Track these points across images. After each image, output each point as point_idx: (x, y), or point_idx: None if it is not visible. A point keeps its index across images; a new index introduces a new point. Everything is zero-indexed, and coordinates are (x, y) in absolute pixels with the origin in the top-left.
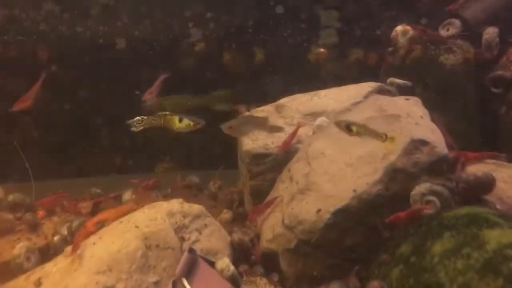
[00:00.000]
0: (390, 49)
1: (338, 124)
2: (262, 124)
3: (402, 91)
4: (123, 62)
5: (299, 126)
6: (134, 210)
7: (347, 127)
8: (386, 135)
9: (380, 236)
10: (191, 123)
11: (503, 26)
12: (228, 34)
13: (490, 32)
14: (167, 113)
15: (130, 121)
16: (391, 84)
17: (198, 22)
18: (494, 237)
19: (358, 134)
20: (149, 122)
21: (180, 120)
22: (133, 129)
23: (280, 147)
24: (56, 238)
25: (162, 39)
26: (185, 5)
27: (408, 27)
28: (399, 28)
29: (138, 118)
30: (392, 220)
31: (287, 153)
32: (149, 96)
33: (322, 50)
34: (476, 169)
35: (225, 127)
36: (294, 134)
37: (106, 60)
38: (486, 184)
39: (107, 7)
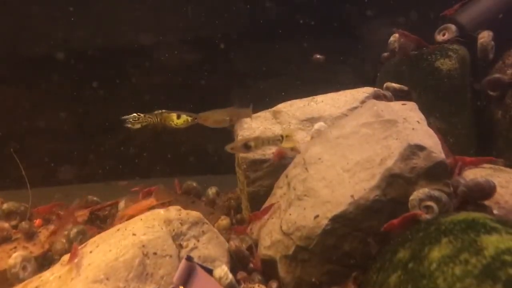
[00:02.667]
0: (385, 54)
1: (234, 148)
2: (247, 115)
3: (398, 95)
4: (121, 68)
5: None
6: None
7: (245, 147)
8: (282, 136)
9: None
10: (189, 118)
11: (499, 30)
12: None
13: (485, 36)
14: (164, 110)
15: (126, 117)
16: (387, 88)
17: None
18: (492, 243)
19: (256, 147)
20: (146, 120)
21: (178, 117)
22: (129, 125)
23: (275, 156)
24: (55, 245)
25: (159, 45)
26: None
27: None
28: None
29: (134, 114)
30: (386, 228)
31: (282, 160)
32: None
33: (318, 56)
34: (473, 173)
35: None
36: None
37: (104, 66)
38: (487, 190)
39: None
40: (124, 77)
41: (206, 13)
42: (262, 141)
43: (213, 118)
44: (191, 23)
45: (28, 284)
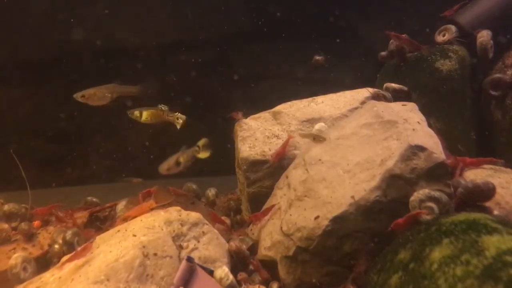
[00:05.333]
0: (383, 53)
1: (170, 169)
2: (132, 92)
3: (398, 96)
4: (118, 69)
5: (289, 137)
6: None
7: (176, 163)
8: (198, 146)
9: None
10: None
11: (499, 30)
12: (224, 40)
13: (485, 35)
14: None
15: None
16: (387, 89)
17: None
18: (493, 243)
19: (185, 161)
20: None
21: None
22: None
23: (273, 158)
24: (52, 248)
25: (155, 47)
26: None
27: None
28: None
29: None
30: (392, 227)
31: (280, 162)
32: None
33: (318, 57)
34: (473, 174)
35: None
36: (285, 145)
37: (102, 67)
38: (485, 193)
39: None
40: (121, 78)
41: (205, 13)
42: (187, 155)
43: (94, 94)
44: (190, 24)
45: (29, 285)
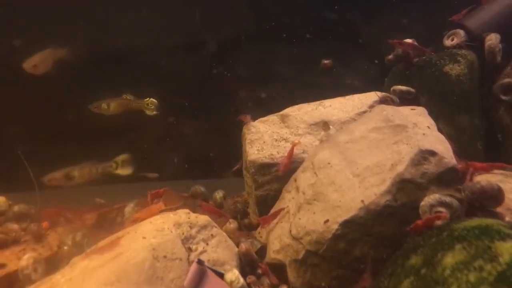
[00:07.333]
0: (389, 56)
1: (52, 180)
2: (61, 54)
3: (405, 98)
4: (120, 71)
5: (294, 145)
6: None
7: (66, 177)
8: (115, 162)
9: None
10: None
11: (507, 34)
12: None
13: (493, 38)
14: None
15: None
16: (394, 91)
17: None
18: (507, 250)
19: (82, 178)
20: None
21: None
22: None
23: (280, 169)
24: (62, 249)
25: (158, 48)
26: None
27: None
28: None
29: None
30: (412, 228)
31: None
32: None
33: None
34: (484, 179)
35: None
36: (290, 154)
37: (105, 67)
38: (489, 194)
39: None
40: (125, 79)
41: (214, 15)
42: (89, 170)
43: (42, 61)
44: (195, 25)
45: (40, 286)
